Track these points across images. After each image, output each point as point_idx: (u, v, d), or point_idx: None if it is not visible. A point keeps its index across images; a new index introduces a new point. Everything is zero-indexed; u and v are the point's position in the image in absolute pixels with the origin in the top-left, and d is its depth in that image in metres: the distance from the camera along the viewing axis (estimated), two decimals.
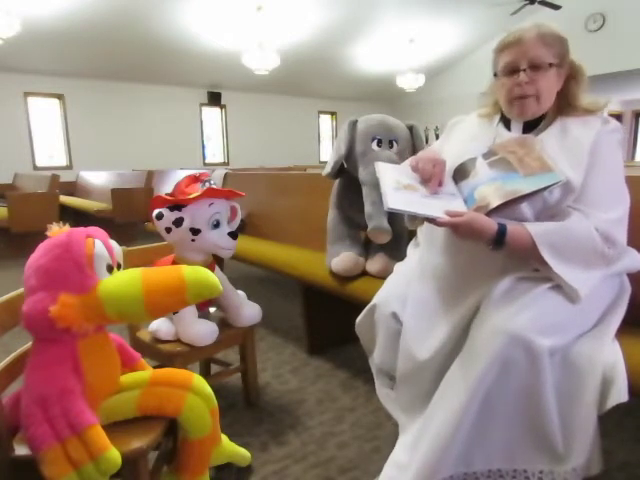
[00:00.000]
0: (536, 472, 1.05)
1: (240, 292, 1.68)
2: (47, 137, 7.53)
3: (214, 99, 9.14)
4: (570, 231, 1.07)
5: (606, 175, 1.11)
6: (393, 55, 8.96)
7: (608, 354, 1.03)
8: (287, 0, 6.59)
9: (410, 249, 1.47)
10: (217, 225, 1.51)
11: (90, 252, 0.99)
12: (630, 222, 1.13)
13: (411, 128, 1.88)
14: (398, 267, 1.43)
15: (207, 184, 1.47)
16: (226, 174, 3.36)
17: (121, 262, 1.11)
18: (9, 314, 1.02)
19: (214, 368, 1.88)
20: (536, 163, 1.08)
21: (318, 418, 1.68)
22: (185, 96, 8.80)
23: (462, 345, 1.11)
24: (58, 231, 1.02)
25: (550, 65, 1.13)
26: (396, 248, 1.76)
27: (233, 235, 1.53)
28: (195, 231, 1.46)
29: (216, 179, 3.20)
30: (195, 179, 1.51)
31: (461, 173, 1.20)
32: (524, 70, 1.13)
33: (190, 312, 1.49)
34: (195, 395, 1.10)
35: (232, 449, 1.34)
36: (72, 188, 6.38)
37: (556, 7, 7.36)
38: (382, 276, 1.65)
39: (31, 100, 7.26)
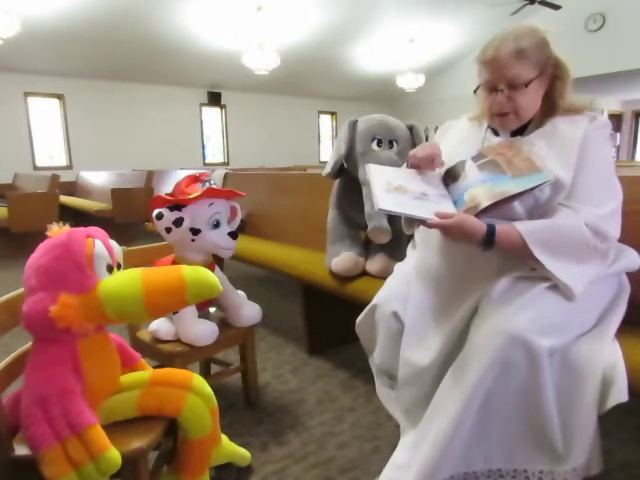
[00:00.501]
0: (536, 472, 1.05)
1: (240, 292, 1.68)
2: (47, 137, 7.53)
3: (214, 99, 9.14)
4: (560, 227, 1.07)
5: (595, 171, 1.11)
6: (393, 55, 8.96)
7: (608, 354, 1.03)
8: (287, 0, 6.59)
9: (410, 249, 1.47)
10: (217, 225, 1.51)
11: (90, 252, 0.99)
12: (630, 222, 1.13)
13: (411, 128, 1.89)
14: (398, 267, 1.43)
15: (207, 184, 1.48)
16: (226, 174, 3.36)
17: (121, 262, 1.11)
18: (9, 314, 1.02)
19: (214, 368, 1.88)
20: (524, 164, 1.09)
21: (318, 418, 1.68)
22: (185, 96, 8.80)
23: (461, 347, 1.11)
24: (58, 231, 1.02)
25: (529, 82, 1.12)
26: (396, 248, 1.76)
27: (233, 235, 1.53)
28: (195, 231, 1.46)
29: (216, 179, 3.20)
30: (195, 179, 1.51)
31: (451, 176, 1.22)
32: (502, 90, 1.14)
33: (190, 312, 1.49)
34: (195, 395, 1.10)
35: (232, 449, 1.34)
36: (72, 188, 6.38)
37: (556, 7, 7.36)
38: (382, 276, 1.65)
39: (31, 100, 7.26)
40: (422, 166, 1.22)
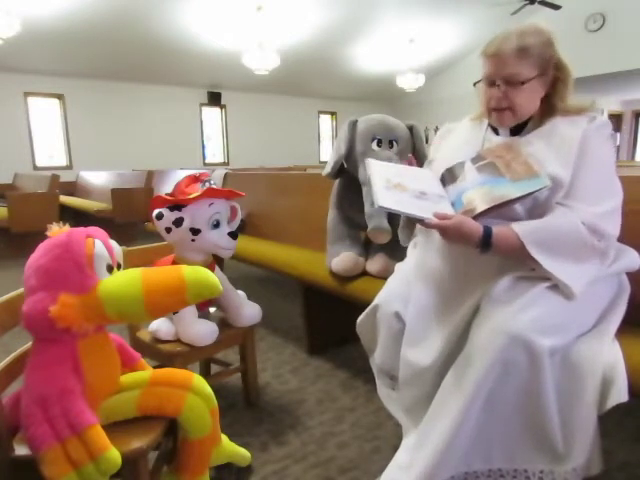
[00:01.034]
0: (536, 472, 1.06)
1: (240, 292, 1.68)
2: (47, 137, 7.53)
3: (214, 99, 9.14)
4: (556, 227, 1.07)
5: (594, 171, 1.11)
6: (393, 55, 8.96)
7: (608, 354, 1.03)
8: (287, 0, 6.59)
9: (410, 249, 1.47)
10: (217, 225, 1.51)
11: (90, 252, 0.99)
12: (630, 222, 1.13)
13: (411, 128, 1.89)
14: (399, 267, 1.43)
15: (207, 184, 1.47)
16: (226, 174, 3.36)
17: (121, 262, 1.11)
18: (9, 314, 1.01)
19: (214, 368, 1.88)
20: (522, 168, 1.09)
21: (318, 418, 1.68)
22: (185, 96, 8.80)
23: (462, 347, 1.11)
24: (58, 231, 1.02)
25: (526, 81, 1.12)
26: (396, 248, 1.76)
27: (233, 235, 1.53)
28: (195, 231, 1.46)
29: (216, 179, 3.20)
30: (195, 179, 1.51)
31: (449, 177, 1.22)
32: (499, 85, 1.15)
33: (190, 312, 1.49)
34: (195, 395, 1.10)
35: (232, 449, 1.34)
36: (72, 188, 6.38)
37: (556, 7, 7.36)
38: (382, 276, 1.65)
39: (31, 100, 7.26)
40: None
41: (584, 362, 1.03)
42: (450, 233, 1.08)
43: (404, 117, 1.93)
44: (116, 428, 1.02)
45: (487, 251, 1.09)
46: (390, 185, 1.15)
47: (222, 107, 9.41)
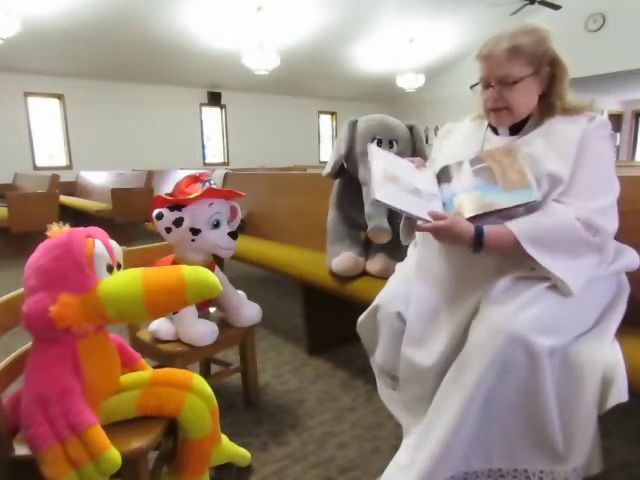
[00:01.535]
0: (536, 472, 1.06)
1: (240, 292, 1.68)
2: (47, 137, 7.52)
3: (214, 99, 9.14)
4: (550, 222, 1.07)
5: (591, 168, 1.11)
6: (393, 55, 8.96)
7: (608, 354, 1.03)
8: (287, 0, 6.59)
9: (410, 249, 1.47)
10: (217, 225, 1.51)
11: (90, 252, 0.99)
12: (630, 222, 1.13)
13: (411, 128, 1.89)
14: (400, 267, 1.43)
15: (207, 184, 1.48)
16: (226, 174, 3.36)
17: (121, 262, 1.11)
18: (9, 314, 1.02)
19: (214, 368, 1.88)
20: (517, 176, 1.10)
21: (318, 418, 1.68)
22: (185, 96, 8.80)
23: (462, 346, 1.11)
24: (58, 231, 1.02)
25: (518, 80, 1.13)
26: (396, 248, 1.76)
27: (233, 235, 1.53)
28: (195, 231, 1.46)
29: (216, 179, 3.20)
30: (195, 179, 1.51)
31: (445, 175, 1.23)
32: (493, 86, 1.17)
33: (190, 312, 1.49)
34: (195, 395, 1.10)
35: (232, 449, 1.34)
36: (72, 188, 6.37)
37: (556, 7, 7.36)
38: (382, 276, 1.65)
39: (31, 100, 7.26)
40: None
41: (584, 362, 1.03)
42: (442, 234, 1.10)
43: (404, 117, 1.93)
44: (116, 428, 1.02)
45: (479, 251, 1.09)
46: (387, 175, 1.15)
47: (222, 107, 9.41)
